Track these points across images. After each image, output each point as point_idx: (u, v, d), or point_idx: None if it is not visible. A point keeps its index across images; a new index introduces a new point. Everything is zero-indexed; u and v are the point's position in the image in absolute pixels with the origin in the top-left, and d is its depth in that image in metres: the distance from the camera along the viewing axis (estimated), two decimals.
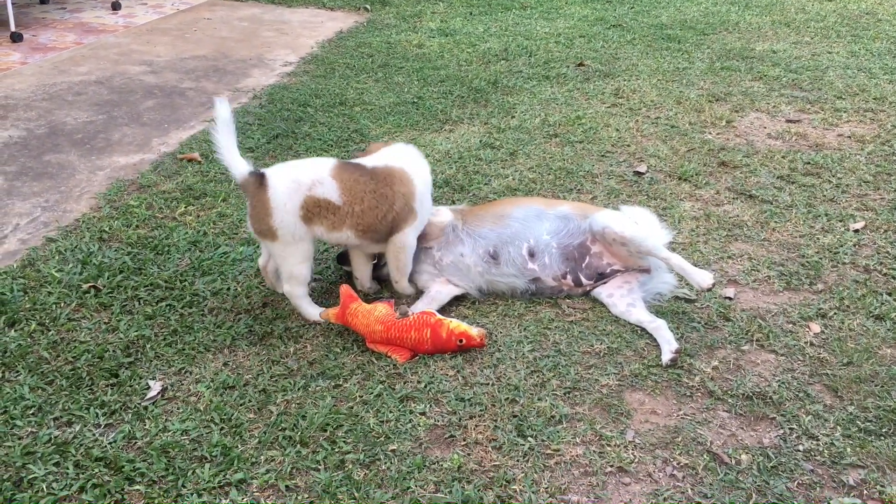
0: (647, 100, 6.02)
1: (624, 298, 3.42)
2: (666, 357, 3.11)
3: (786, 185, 4.64)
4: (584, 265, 3.51)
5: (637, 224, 3.51)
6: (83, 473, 2.51)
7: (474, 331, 3.12)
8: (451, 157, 4.92)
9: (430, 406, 2.85)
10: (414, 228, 3.38)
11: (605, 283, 3.51)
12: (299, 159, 3.43)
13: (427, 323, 3.11)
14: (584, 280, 3.51)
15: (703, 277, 3.27)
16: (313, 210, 3.16)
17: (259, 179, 3.13)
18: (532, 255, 3.50)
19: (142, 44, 7.39)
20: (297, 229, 3.16)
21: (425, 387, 2.95)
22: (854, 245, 3.97)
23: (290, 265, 3.23)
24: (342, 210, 3.19)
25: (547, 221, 3.56)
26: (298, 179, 3.16)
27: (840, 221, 4.21)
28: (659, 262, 3.51)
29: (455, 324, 3.12)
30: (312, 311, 3.31)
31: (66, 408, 2.78)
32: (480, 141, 5.20)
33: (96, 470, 2.52)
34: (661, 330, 3.24)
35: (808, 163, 4.92)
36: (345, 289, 3.23)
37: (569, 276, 3.51)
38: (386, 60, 6.92)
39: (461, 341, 3.10)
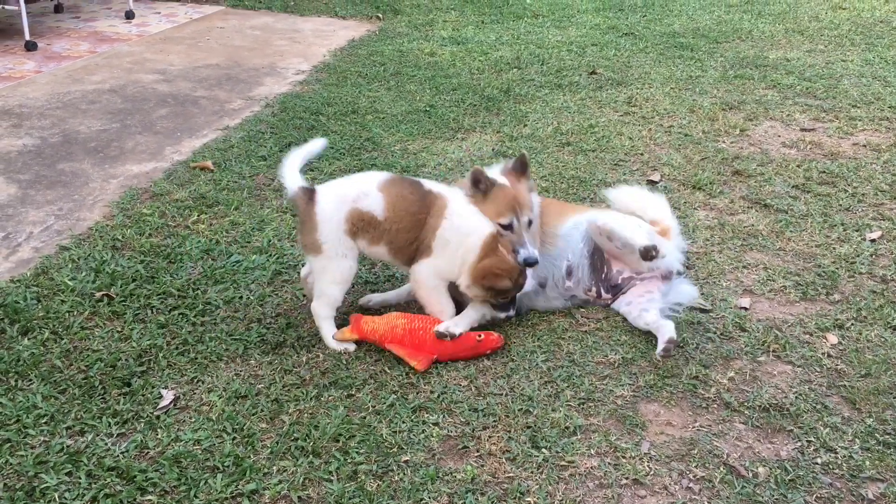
0: (660, 108, 6.00)
1: (640, 305, 3.39)
2: (659, 347, 3.11)
3: (801, 194, 4.61)
4: (604, 276, 3.50)
5: (627, 219, 3.51)
6: (95, 483, 2.50)
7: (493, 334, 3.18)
8: (463, 166, 4.90)
9: (444, 416, 2.83)
10: (427, 264, 3.20)
11: (623, 293, 3.48)
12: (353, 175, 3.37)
13: None
14: (603, 293, 3.50)
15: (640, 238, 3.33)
16: (357, 224, 3.12)
17: (309, 195, 3.11)
18: (570, 273, 3.50)
19: (155, 52, 7.42)
20: (341, 244, 3.13)
21: (438, 397, 2.93)
22: (871, 255, 3.93)
23: (326, 282, 3.17)
24: (382, 226, 3.14)
25: (579, 229, 3.55)
26: (345, 193, 3.14)
27: (856, 231, 4.17)
28: (677, 268, 3.54)
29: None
30: (330, 336, 3.21)
31: (79, 417, 2.78)
32: (493, 149, 5.19)
33: (108, 479, 2.51)
34: (664, 327, 3.21)
35: (824, 172, 4.88)
36: (353, 316, 3.25)
37: (593, 289, 3.52)
38: (398, 69, 6.93)
39: (480, 337, 3.12)
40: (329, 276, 3.16)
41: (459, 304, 3.28)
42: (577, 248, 3.52)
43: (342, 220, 3.11)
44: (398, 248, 3.19)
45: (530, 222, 3.29)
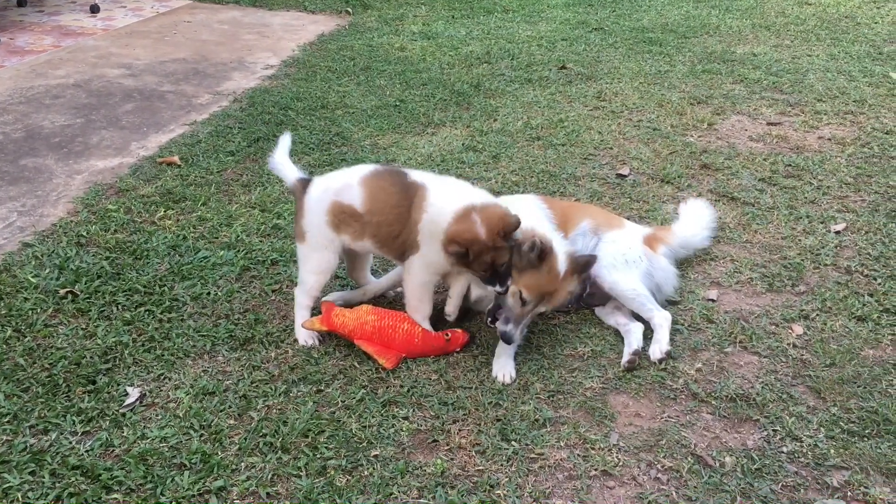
0: (630, 103, 6.02)
1: (612, 303, 3.39)
2: (624, 359, 3.12)
3: (767, 187, 4.66)
4: (586, 294, 3.39)
5: (631, 273, 3.35)
6: (60, 482, 2.47)
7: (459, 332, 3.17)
8: (433, 161, 4.90)
9: (414, 410, 2.83)
10: (418, 258, 3.10)
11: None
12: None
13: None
14: (581, 305, 3.46)
15: (658, 349, 3.16)
16: (339, 216, 3.12)
17: (304, 185, 3.21)
18: None
19: (121, 47, 7.31)
20: (322, 235, 3.15)
21: (408, 391, 2.92)
22: (835, 246, 3.99)
23: (305, 271, 3.23)
24: (363, 218, 3.11)
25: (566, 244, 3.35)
26: (329, 185, 3.18)
27: (821, 223, 4.23)
28: (666, 293, 3.49)
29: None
30: (299, 323, 3.22)
31: (43, 415, 2.73)
32: (463, 144, 5.18)
33: (73, 478, 2.48)
34: (631, 334, 3.23)
35: (790, 165, 4.94)
36: (325, 303, 3.23)
37: (571, 305, 3.42)
38: (368, 63, 6.89)
39: (447, 336, 3.12)
40: (309, 265, 3.22)
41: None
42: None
43: (324, 212, 3.14)
44: (383, 241, 3.14)
45: (541, 314, 3.16)
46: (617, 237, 3.47)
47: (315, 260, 3.21)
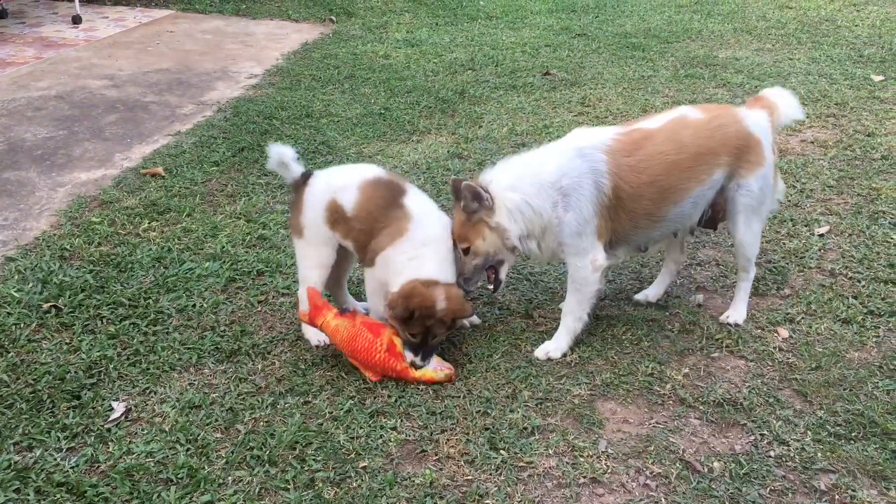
0: (614, 108, 6.05)
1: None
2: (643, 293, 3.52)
3: None
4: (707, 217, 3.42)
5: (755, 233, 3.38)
6: (44, 500, 2.45)
7: (440, 375, 3.03)
8: (419, 168, 4.89)
9: (401, 420, 2.82)
10: (371, 272, 3.18)
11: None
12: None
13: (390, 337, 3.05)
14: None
15: (737, 315, 3.42)
16: (333, 215, 3.15)
17: (304, 178, 3.21)
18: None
19: (103, 58, 7.28)
20: (320, 231, 3.17)
21: (396, 401, 2.91)
22: (819, 249, 4.01)
23: (306, 267, 3.23)
24: (350, 223, 3.16)
25: (700, 207, 3.32)
26: (331, 181, 3.20)
27: (805, 226, 4.25)
28: None
29: (420, 373, 3.02)
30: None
31: (27, 432, 2.71)
32: (448, 151, 5.18)
33: (58, 496, 2.46)
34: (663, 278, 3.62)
35: None
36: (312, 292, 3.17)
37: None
38: (352, 72, 6.89)
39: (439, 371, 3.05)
40: (309, 260, 3.23)
41: None
42: (685, 223, 3.36)
43: (323, 208, 3.16)
44: (361, 247, 3.19)
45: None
46: None
47: (316, 255, 3.21)
